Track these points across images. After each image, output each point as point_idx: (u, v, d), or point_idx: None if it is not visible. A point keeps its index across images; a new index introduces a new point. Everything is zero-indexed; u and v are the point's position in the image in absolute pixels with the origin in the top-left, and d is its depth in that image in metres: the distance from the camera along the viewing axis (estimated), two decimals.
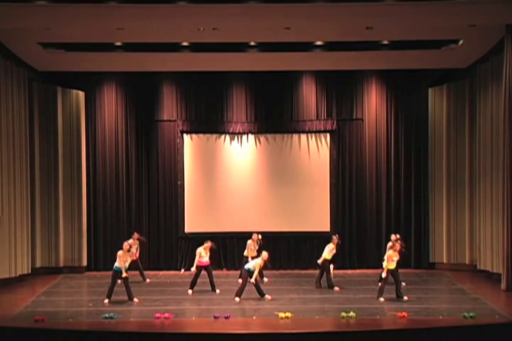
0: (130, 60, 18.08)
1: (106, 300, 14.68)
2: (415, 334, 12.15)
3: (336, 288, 16.13)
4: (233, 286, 15.53)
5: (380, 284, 15.17)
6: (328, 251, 16.43)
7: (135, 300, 14.77)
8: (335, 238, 16.69)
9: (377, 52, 17.57)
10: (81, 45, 17.13)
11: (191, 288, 15.94)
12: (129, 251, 15.12)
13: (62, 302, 15.44)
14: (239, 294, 14.96)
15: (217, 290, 15.92)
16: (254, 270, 14.97)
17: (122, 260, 14.89)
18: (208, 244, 16.04)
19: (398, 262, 15.16)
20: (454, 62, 18.56)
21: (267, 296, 14.99)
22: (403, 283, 15.53)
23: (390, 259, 14.94)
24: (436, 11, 14.34)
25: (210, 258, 16.16)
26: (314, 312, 13.48)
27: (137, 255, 17.41)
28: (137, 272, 17.34)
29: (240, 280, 15.67)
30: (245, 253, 17.03)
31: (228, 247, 19.75)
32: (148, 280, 17.53)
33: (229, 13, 14.49)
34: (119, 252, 15.00)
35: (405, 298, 14.75)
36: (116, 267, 14.90)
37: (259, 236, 17.08)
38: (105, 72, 19.38)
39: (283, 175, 20.12)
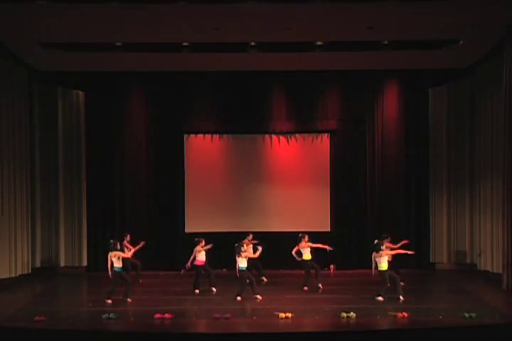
0: (130, 60, 18.08)
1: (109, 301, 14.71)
2: (415, 334, 12.13)
3: (305, 288, 16.17)
4: (234, 286, 15.51)
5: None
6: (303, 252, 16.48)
7: (128, 300, 14.81)
8: (301, 236, 16.65)
9: (377, 52, 17.57)
10: (81, 45, 17.13)
11: (197, 288, 15.99)
12: (115, 250, 15.07)
13: (62, 303, 15.46)
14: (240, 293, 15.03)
15: (214, 289, 16.04)
16: (248, 268, 15.16)
17: (110, 259, 14.93)
18: (201, 243, 16.22)
19: (391, 262, 15.14)
20: (454, 62, 18.56)
21: (258, 296, 15.02)
22: (402, 283, 15.50)
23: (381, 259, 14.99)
24: (437, 10, 14.34)
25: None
26: (314, 312, 13.47)
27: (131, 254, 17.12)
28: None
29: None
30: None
31: (228, 247, 19.73)
32: (140, 280, 17.46)
33: (229, 13, 14.51)
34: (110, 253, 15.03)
35: (380, 298, 14.70)
36: (116, 267, 14.90)
37: (250, 237, 17.11)
38: (105, 72, 19.36)
39: (283, 175, 20.13)
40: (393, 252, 15.22)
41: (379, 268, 14.94)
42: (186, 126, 20.11)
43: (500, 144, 16.43)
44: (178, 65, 18.72)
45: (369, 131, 20.02)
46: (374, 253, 15.01)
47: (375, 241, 15.50)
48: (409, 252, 15.51)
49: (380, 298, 14.68)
